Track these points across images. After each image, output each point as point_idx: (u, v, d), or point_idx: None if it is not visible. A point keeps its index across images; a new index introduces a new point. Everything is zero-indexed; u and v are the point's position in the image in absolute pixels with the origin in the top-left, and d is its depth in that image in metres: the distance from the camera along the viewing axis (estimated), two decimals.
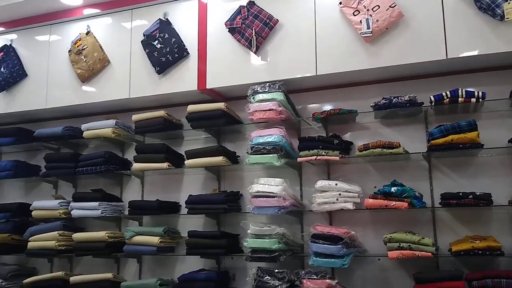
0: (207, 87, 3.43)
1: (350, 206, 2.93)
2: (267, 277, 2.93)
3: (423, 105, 2.98)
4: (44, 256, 3.81)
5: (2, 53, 4.03)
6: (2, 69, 4.01)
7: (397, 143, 2.92)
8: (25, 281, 3.66)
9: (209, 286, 3.14)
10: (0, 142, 4.12)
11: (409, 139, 3.10)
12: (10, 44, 4.07)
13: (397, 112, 3.05)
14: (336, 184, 2.98)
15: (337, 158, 3.01)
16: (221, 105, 3.38)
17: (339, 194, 2.96)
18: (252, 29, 3.26)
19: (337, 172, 3.26)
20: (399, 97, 2.96)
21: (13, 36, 4.11)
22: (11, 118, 4.21)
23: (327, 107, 3.30)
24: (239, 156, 3.51)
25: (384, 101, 3.00)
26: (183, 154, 3.55)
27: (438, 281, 2.65)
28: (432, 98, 2.91)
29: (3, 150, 4.34)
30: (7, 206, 4.01)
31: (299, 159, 3.12)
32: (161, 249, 3.40)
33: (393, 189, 2.86)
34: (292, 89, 3.33)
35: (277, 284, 2.89)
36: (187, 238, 3.35)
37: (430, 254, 2.72)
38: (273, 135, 3.10)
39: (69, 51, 3.82)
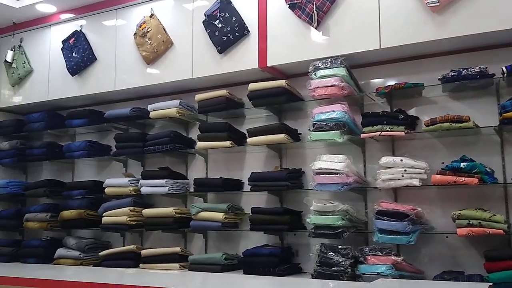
0: (268, 65, 3.44)
1: (416, 182, 2.86)
2: (331, 253, 2.95)
3: (495, 77, 2.83)
4: (117, 230, 4.03)
5: (73, 39, 4.24)
6: (74, 54, 4.22)
7: (467, 117, 2.80)
8: (101, 253, 3.90)
9: (273, 261, 3.20)
10: (74, 124, 4.37)
11: (480, 113, 2.96)
12: (80, 30, 4.26)
13: (466, 84, 2.92)
14: (401, 160, 2.91)
15: (402, 133, 2.94)
16: (282, 82, 3.38)
17: (405, 170, 2.89)
18: (313, 3, 3.21)
19: (402, 148, 3.18)
20: (469, 69, 2.83)
21: (83, 22, 4.30)
22: (83, 100, 4.44)
23: (392, 82, 3.21)
24: (301, 134, 3.51)
25: (452, 74, 2.87)
26: (245, 132, 3.60)
27: (510, 259, 2.55)
28: (504, 69, 2.76)
29: (77, 131, 4.59)
30: (83, 184, 4.27)
31: (362, 135, 3.07)
32: (225, 224, 3.50)
33: (462, 164, 2.76)
34: (354, 64, 3.27)
35: (341, 260, 2.89)
36: (251, 214, 3.42)
37: (501, 231, 2.62)
38: (336, 111, 3.07)
39: (134, 34, 3.95)
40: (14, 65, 4.58)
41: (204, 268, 3.40)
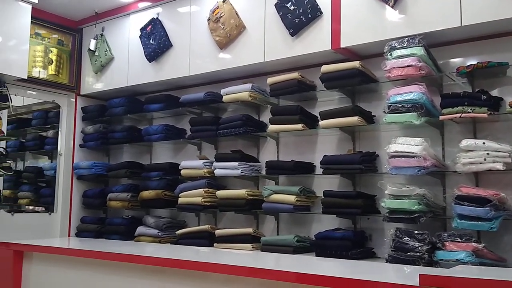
0: (341, 46, 3.38)
1: (499, 166, 2.71)
2: (406, 238, 2.88)
3: None
4: (192, 210, 4.18)
5: (150, 26, 4.41)
6: (151, 41, 4.39)
7: None
8: (177, 232, 4.08)
9: (345, 245, 3.18)
10: (151, 108, 4.57)
11: None
12: (157, 18, 4.42)
13: None
14: (484, 143, 2.77)
15: (485, 115, 2.79)
16: (356, 63, 3.32)
17: (487, 153, 2.75)
18: None
19: (485, 131, 3.02)
20: None
21: (159, 9, 4.45)
22: (160, 86, 4.62)
23: (473, 61, 3.04)
24: (375, 116, 3.43)
25: None
26: (317, 115, 3.58)
27: None
28: None
29: (154, 116, 4.79)
30: (160, 166, 4.47)
31: (441, 117, 2.95)
32: (297, 207, 3.52)
33: None
34: (433, 43, 3.13)
35: (417, 246, 2.82)
36: (323, 197, 3.41)
37: None
38: (413, 92, 2.97)
39: (208, 20, 4.03)
40: (96, 53, 4.85)
41: (276, 249, 3.45)
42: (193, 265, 2.80)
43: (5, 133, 4.41)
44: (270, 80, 3.78)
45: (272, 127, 3.73)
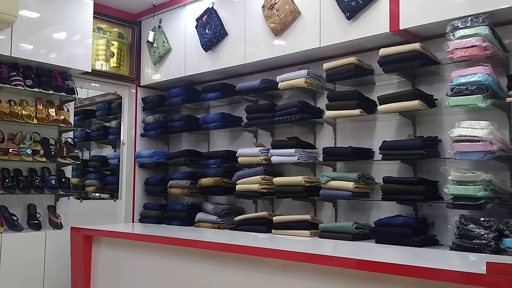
0: (400, 28, 3.28)
1: None
2: (472, 225, 2.77)
3: None
4: (249, 197, 4.23)
5: (206, 16, 4.46)
6: (206, 30, 4.45)
7: None
8: (236, 218, 4.15)
9: (407, 232, 3.11)
10: (208, 97, 4.65)
11: None
12: (212, 7, 4.47)
13: None
14: None
15: None
16: (416, 45, 3.21)
17: None
18: None
19: None
20: None
21: None
22: (216, 75, 4.68)
23: None
24: (437, 99, 3.31)
25: None
26: (375, 100, 3.50)
27: None
28: None
29: (211, 104, 4.88)
30: (218, 153, 4.55)
31: (508, 99, 2.80)
32: (355, 194, 3.47)
33: None
34: (498, 22, 2.97)
35: (483, 233, 2.71)
36: (382, 184, 3.35)
37: None
38: (477, 73, 2.83)
39: (263, 7, 4.02)
40: (155, 45, 4.98)
41: (334, 236, 3.43)
42: (251, 250, 2.83)
43: (73, 124, 4.63)
44: (326, 65, 3.74)
45: (329, 113, 3.69)
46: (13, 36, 4.01)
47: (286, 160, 3.89)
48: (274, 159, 3.98)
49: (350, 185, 3.45)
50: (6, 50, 3.99)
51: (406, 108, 3.25)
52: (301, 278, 2.60)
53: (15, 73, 4.14)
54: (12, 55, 4.04)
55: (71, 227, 3.91)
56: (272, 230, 3.85)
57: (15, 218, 4.09)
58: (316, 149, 3.98)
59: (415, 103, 3.18)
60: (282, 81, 3.99)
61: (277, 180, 3.94)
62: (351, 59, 3.57)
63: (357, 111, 3.49)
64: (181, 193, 4.75)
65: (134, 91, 5.26)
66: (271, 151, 4.02)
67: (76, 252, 3.80)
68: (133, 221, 5.13)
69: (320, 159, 3.88)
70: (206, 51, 4.51)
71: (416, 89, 3.32)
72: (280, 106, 4.07)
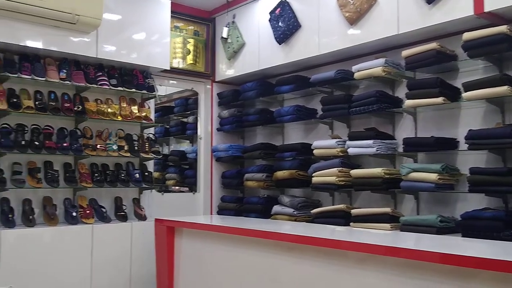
0: (484, 11, 3.08)
1: None
2: None
3: None
4: (326, 190, 4.20)
5: (279, 9, 4.46)
6: (280, 23, 4.45)
7: None
8: (312, 211, 4.13)
9: (497, 225, 2.93)
10: (283, 90, 4.65)
11: None
12: (285, 0, 4.45)
13: None
14: None
15: None
16: (502, 28, 3.01)
17: None
18: None
19: None
20: None
21: None
22: (289, 67, 4.67)
23: None
24: None
25: None
26: (459, 87, 3.33)
27: None
28: None
29: (285, 97, 4.88)
30: (293, 146, 4.55)
31: None
32: (439, 186, 3.32)
33: None
34: None
35: None
36: (469, 175, 3.18)
37: None
38: None
39: None
40: (229, 40, 5.06)
41: (417, 229, 3.30)
42: (331, 243, 2.80)
43: (154, 120, 4.83)
44: (405, 52, 3.60)
45: (409, 102, 3.56)
46: (98, 38, 4.25)
47: (364, 151, 3.81)
48: (351, 150, 3.90)
49: (433, 176, 3.31)
50: (92, 52, 4.23)
51: (493, 94, 3.06)
52: (381, 272, 2.53)
53: (101, 73, 4.38)
54: (97, 57, 4.28)
55: (155, 218, 4.08)
56: (351, 223, 3.79)
57: (104, 210, 4.35)
58: (396, 139, 3.86)
59: (503, 89, 2.98)
60: (358, 70, 3.91)
61: (355, 172, 3.86)
62: (432, 45, 3.41)
63: (439, 99, 3.34)
64: (257, 186, 4.81)
65: (210, 86, 5.39)
66: (348, 142, 3.95)
67: (159, 242, 3.97)
68: (211, 213, 5.28)
69: (400, 150, 3.75)
70: (279, 44, 4.51)
71: (504, 74, 3.11)
72: (356, 96, 3.99)
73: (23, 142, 3.91)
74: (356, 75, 3.92)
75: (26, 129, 4.01)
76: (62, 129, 4.21)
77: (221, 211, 5.18)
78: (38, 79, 4.00)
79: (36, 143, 3.97)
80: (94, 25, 4.06)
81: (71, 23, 3.94)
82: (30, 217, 3.92)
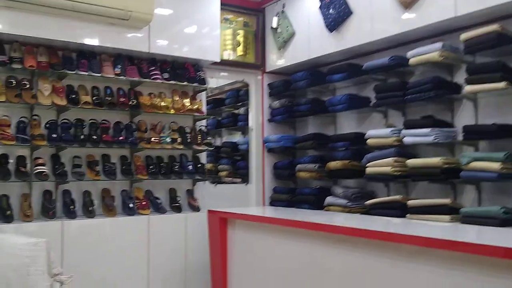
0: None
1: None
2: None
3: None
4: (381, 180, 4.08)
5: None
6: (330, 10, 4.35)
7: None
8: (367, 202, 4.03)
9: None
10: (334, 79, 4.55)
11: None
12: None
13: None
14: None
15: None
16: None
17: None
18: None
19: None
20: None
21: None
22: (341, 55, 4.56)
23: None
24: None
25: None
26: None
27: None
28: None
29: (336, 86, 4.77)
30: (345, 136, 4.46)
31: None
32: (503, 175, 3.14)
33: None
34: None
35: None
36: None
37: None
38: None
39: None
40: (279, 30, 5.02)
41: (478, 221, 3.14)
42: (384, 235, 2.73)
43: (205, 112, 4.88)
44: (464, 36, 3.41)
45: (468, 88, 3.38)
46: (150, 33, 4.33)
47: (420, 140, 3.67)
48: (407, 140, 3.77)
49: (496, 165, 3.13)
50: (145, 47, 4.32)
51: None
52: (439, 267, 2.44)
53: (153, 68, 4.47)
54: (150, 51, 4.36)
55: (208, 210, 4.14)
56: (407, 215, 3.66)
57: (159, 201, 4.45)
58: (455, 127, 3.68)
59: None
60: (413, 56, 3.74)
61: (412, 162, 3.73)
62: (494, 27, 3.21)
63: (502, 84, 3.14)
64: (309, 177, 4.76)
65: (260, 77, 5.37)
66: (404, 131, 3.81)
67: (213, 233, 4.03)
68: (263, 204, 5.28)
69: (460, 138, 3.58)
70: (330, 32, 4.41)
71: None
72: (412, 83, 3.84)
73: (82, 136, 4.07)
74: (411, 61, 3.76)
75: (85, 123, 4.17)
76: (118, 123, 4.34)
77: (274, 202, 5.18)
78: (94, 75, 4.14)
79: (94, 137, 4.12)
80: (146, 21, 4.14)
81: (124, 19, 4.03)
82: (90, 208, 4.08)
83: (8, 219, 3.68)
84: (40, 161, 3.92)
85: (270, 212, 4.26)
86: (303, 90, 5.02)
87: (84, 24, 4.00)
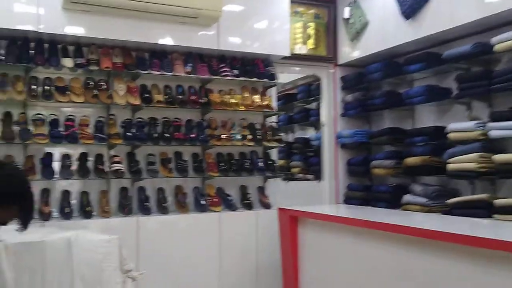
0: None
1: None
2: None
3: None
4: (465, 177, 3.77)
5: None
6: None
7: None
8: (448, 201, 3.75)
9: None
10: (411, 69, 4.28)
11: None
12: None
13: None
14: None
15: None
16: None
17: None
18: None
19: None
20: None
21: None
22: (418, 44, 4.27)
23: None
24: None
25: None
26: None
27: None
28: None
29: (414, 77, 4.49)
30: (424, 130, 4.19)
31: None
32: None
33: None
34: None
35: None
36: None
37: None
38: None
39: None
40: (351, 21, 4.82)
41: None
42: (469, 240, 2.49)
43: (276, 108, 4.81)
44: None
45: None
46: (220, 31, 4.32)
47: (509, 134, 3.34)
48: (494, 133, 3.46)
49: None
50: (214, 44, 4.33)
51: None
52: None
53: (223, 65, 4.47)
54: (220, 49, 4.36)
55: (278, 208, 4.07)
56: (494, 215, 3.36)
57: (230, 198, 4.45)
58: None
59: None
60: (499, 42, 3.42)
61: (499, 157, 3.41)
62: None
63: None
64: (385, 174, 4.53)
65: (332, 70, 5.20)
66: (490, 124, 3.51)
67: (284, 231, 3.95)
68: (337, 202, 5.12)
69: None
70: (406, 19, 4.15)
71: None
72: (499, 71, 3.52)
73: (155, 135, 4.16)
74: (496, 47, 3.44)
75: (158, 122, 4.26)
76: (189, 120, 4.39)
77: (348, 200, 5.00)
78: (166, 74, 4.21)
79: (167, 135, 4.19)
80: (215, 18, 4.13)
81: (193, 17, 4.05)
82: (164, 204, 4.17)
83: (88, 215, 3.85)
84: (116, 159, 4.06)
85: (343, 211, 4.10)
86: (378, 82, 4.78)
87: (156, 24, 4.07)
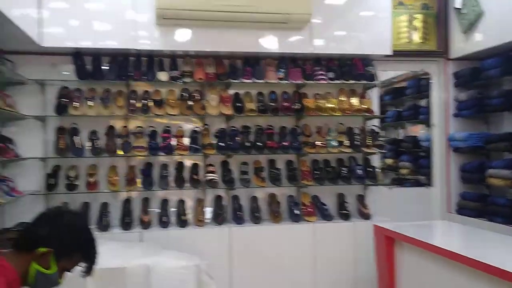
0: None
1: None
2: None
3: None
4: None
5: None
6: None
7: None
8: None
9: None
10: None
11: None
12: None
13: None
14: None
15: None
16: None
17: None
18: None
19: None
20: None
21: None
22: None
23: None
24: None
25: None
26: None
27: None
28: None
29: None
30: None
31: None
32: None
33: None
34: None
35: None
36: None
37: None
38: None
39: None
40: (464, 11, 4.25)
41: None
42: None
43: (377, 112, 4.45)
44: None
45: None
46: (313, 32, 4.10)
47: None
48: None
49: None
50: (307, 47, 4.12)
51: None
52: None
53: (318, 68, 4.25)
54: (314, 52, 4.14)
55: (374, 225, 3.76)
56: None
57: (326, 208, 4.27)
58: None
59: None
60: None
61: None
62: None
63: None
64: (503, 185, 3.99)
65: (443, 66, 4.67)
66: None
67: (379, 250, 3.66)
68: (449, 211, 4.64)
69: None
70: None
71: None
72: None
73: (247, 144, 4.12)
74: None
75: (250, 130, 4.21)
76: (283, 127, 4.27)
77: (461, 210, 4.51)
78: (258, 82, 4.13)
79: (259, 144, 4.13)
80: (305, 21, 3.93)
81: (283, 22, 3.89)
82: (257, 214, 4.14)
83: (183, 223, 3.97)
84: (210, 168, 4.12)
85: (454, 233, 3.62)
86: (496, 80, 4.19)
87: (247, 32, 3.99)
